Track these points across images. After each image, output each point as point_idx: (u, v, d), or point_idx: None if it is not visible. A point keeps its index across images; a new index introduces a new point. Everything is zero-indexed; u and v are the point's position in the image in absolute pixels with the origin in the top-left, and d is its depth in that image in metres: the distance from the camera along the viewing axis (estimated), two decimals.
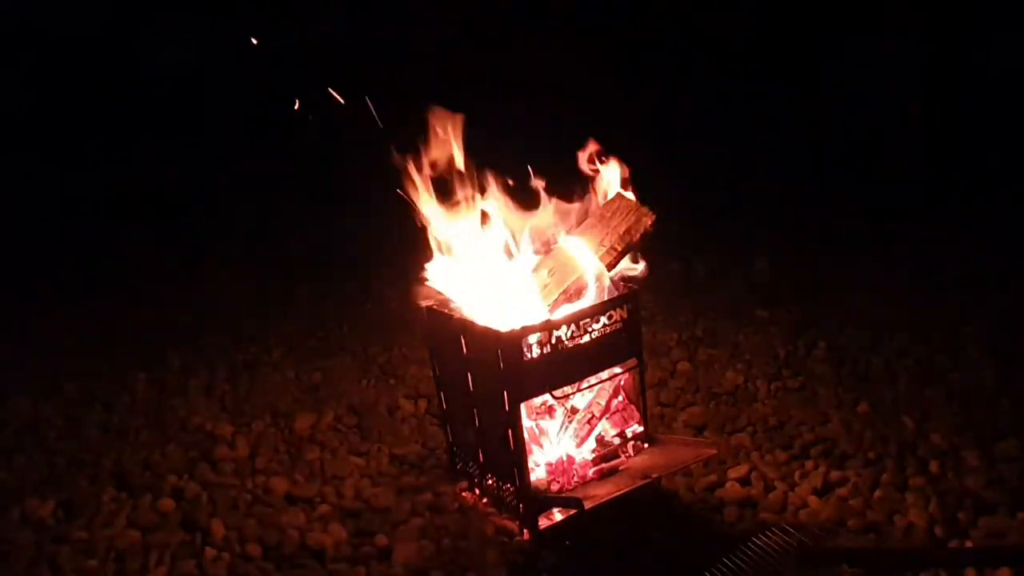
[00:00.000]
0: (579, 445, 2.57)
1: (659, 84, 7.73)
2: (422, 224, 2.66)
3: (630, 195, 2.58)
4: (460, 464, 2.78)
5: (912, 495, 2.59)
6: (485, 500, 2.67)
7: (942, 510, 2.49)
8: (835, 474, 2.74)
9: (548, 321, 2.38)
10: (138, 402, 3.71)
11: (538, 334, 2.34)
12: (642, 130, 6.43)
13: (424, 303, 2.67)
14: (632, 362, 2.57)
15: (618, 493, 2.41)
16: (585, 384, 2.52)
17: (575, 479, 2.51)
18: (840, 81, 6.75)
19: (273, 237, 6.48)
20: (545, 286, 2.47)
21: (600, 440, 2.60)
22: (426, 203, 2.63)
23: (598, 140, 2.66)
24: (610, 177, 2.62)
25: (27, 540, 2.62)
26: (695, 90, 7.92)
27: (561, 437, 2.58)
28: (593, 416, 2.60)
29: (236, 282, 5.49)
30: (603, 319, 2.45)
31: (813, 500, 2.61)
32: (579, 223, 2.62)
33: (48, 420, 3.55)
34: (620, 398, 2.67)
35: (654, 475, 2.50)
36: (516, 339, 2.31)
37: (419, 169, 2.62)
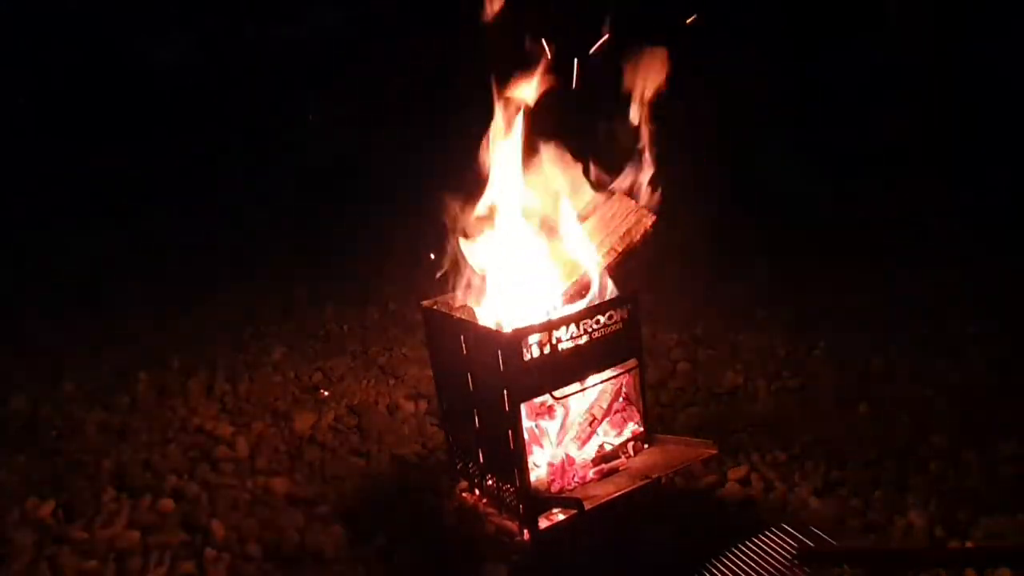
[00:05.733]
0: (581, 447, 2.57)
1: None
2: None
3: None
4: (460, 464, 2.78)
5: (912, 495, 2.59)
6: (485, 500, 2.67)
7: (942, 510, 2.49)
8: (835, 474, 2.74)
9: (548, 321, 2.38)
10: (138, 402, 3.71)
11: (538, 334, 2.34)
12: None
13: (424, 303, 2.67)
14: (632, 362, 2.57)
15: (618, 493, 2.40)
16: (585, 384, 2.52)
17: (575, 479, 2.51)
18: (842, 80, 6.75)
19: (273, 236, 6.48)
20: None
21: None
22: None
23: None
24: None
25: (27, 540, 2.61)
26: (695, 90, 7.89)
27: (562, 438, 2.58)
28: (594, 418, 2.59)
29: (236, 282, 5.49)
30: (603, 319, 2.44)
31: (813, 500, 2.61)
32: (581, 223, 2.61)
33: (48, 420, 3.55)
34: (620, 399, 2.67)
35: (654, 475, 2.50)
36: (516, 339, 2.31)
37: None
